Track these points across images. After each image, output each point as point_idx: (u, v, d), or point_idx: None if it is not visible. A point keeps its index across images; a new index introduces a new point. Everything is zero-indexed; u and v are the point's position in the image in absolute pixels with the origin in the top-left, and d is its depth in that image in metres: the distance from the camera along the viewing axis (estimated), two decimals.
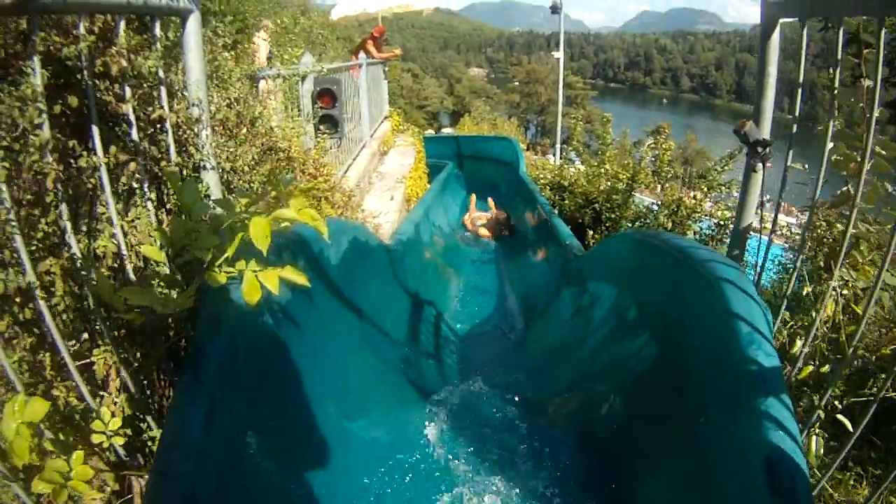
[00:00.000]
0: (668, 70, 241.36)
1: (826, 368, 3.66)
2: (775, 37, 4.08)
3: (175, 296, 2.49)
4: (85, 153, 2.58)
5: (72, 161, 2.61)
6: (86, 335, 2.79)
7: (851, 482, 3.67)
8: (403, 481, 3.78)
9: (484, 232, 12.64)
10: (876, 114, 3.04)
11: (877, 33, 2.81)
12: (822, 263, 4.97)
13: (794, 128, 3.73)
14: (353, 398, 3.85)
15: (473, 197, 14.57)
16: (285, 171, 5.20)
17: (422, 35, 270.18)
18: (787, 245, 11.28)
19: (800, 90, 3.61)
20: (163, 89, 3.14)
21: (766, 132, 4.03)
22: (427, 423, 4.34)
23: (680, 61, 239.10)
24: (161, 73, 3.11)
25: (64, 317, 2.61)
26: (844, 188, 3.71)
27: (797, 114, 3.67)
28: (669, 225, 10.82)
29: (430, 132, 39.63)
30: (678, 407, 3.36)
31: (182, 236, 2.38)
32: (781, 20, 4.07)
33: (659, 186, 11.57)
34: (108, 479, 2.72)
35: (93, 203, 2.82)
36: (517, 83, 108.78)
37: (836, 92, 3.47)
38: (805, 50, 3.64)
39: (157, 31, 3.06)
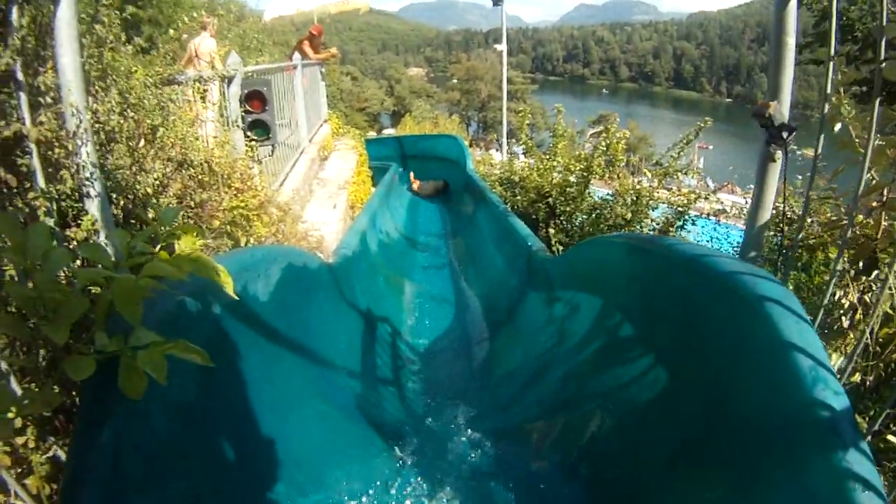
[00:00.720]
0: (606, 61, 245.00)
1: (857, 377, 3.09)
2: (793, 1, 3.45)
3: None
4: None
5: None
6: None
7: None
8: None
9: (427, 189, 14.88)
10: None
11: None
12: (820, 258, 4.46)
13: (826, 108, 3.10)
14: (305, 466, 3.22)
15: (412, 174, 16.36)
16: (199, 191, 4.50)
17: (360, 37, 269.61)
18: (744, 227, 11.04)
19: (831, 64, 2.94)
20: (22, 95, 2.43)
21: (785, 113, 3.44)
22: (395, 480, 3.72)
23: (618, 51, 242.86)
24: (20, 75, 2.41)
25: None
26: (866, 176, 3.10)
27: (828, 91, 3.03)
28: (629, 215, 10.36)
29: (372, 134, 39.23)
30: (710, 454, 2.73)
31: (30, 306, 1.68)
32: None
33: (616, 176, 11.07)
34: None
35: None
36: (457, 81, 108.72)
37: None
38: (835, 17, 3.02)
39: (15, 16, 2.37)
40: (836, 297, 3.47)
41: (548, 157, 12.20)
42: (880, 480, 1.86)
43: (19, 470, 2.33)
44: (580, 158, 11.44)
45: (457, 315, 8.02)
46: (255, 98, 7.28)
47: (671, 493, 2.92)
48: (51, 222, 2.99)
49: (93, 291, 2.06)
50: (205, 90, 6.47)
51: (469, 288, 9.11)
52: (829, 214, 7.06)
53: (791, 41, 3.47)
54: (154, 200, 3.89)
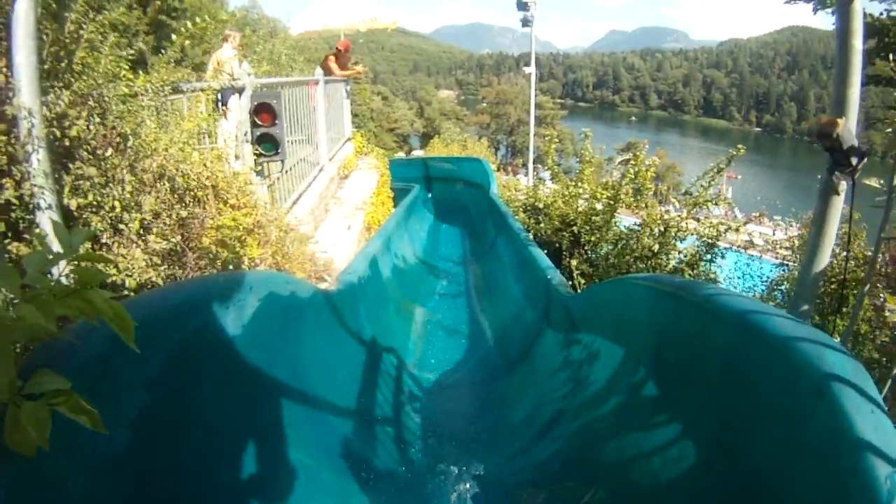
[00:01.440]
0: (636, 88, 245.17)
1: None
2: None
3: None
4: None
5: None
6: None
7: None
8: None
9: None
10: None
11: None
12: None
13: None
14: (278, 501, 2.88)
15: None
16: (177, 206, 4.12)
17: (391, 58, 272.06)
18: (775, 260, 10.62)
19: None
20: None
21: (854, 133, 2.95)
22: None
23: (648, 79, 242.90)
24: None
25: None
26: None
27: None
28: (656, 247, 9.95)
29: (401, 155, 39.17)
30: None
31: None
32: None
33: (644, 205, 10.68)
34: None
35: None
36: (487, 104, 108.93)
37: None
38: None
39: None
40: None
41: (574, 183, 11.84)
42: None
43: None
44: (607, 186, 11.13)
45: (469, 348, 7.66)
46: (264, 111, 6.92)
47: None
48: None
49: None
50: (217, 101, 6.16)
51: (484, 319, 8.73)
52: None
53: (858, 44, 2.99)
54: (126, 215, 3.53)
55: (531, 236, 10.18)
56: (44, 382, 1.41)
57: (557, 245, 11.22)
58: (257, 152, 6.71)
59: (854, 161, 2.93)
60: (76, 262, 1.46)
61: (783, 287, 9.65)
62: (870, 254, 7.29)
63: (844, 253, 3.53)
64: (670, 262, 9.89)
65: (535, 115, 31.07)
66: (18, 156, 2.58)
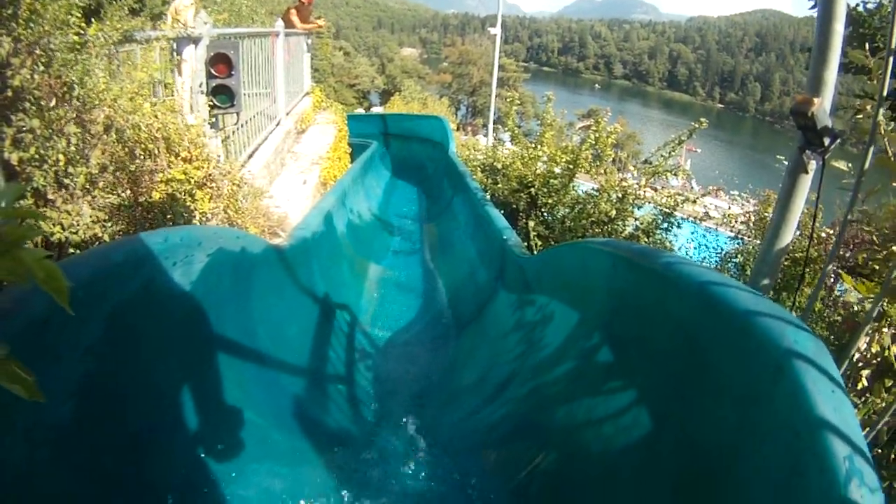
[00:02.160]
0: (601, 56, 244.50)
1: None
2: None
3: None
4: None
5: None
6: None
7: None
8: None
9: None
10: None
11: None
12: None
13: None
14: (212, 490, 2.77)
15: None
16: (126, 158, 4.00)
17: (356, 13, 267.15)
18: (730, 234, 10.77)
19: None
20: None
21: (828, 114, 2.95)
22: (329, 491, 3.30)
23: (614, 48, 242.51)
24: None
25: None
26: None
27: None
28: (613, 212, 10.01)
29: (360, 111, 38.78)
30: None
31: None
32: None
33: (602, 171, 10.70)
34: None
35: None
36: (449, 64, 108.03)
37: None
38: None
39: None
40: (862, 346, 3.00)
41: (534, 146, 11.81)
42: None
43: None
44: (567, 150, 11.10)
45: (423, 306, 7.62)
46: (220, 62, 6.73)
47: None
48: None
49: None
50: (172, 51, 5.98)
51: (439, 278, 8.70)
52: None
53: (840, 28, 2.97)
54: (71, 169, 3.40)
55: (488, 196, 10.10)
56: None
57: (514, 206, 11.21)
58: (211, 104, 6.55)
59: (826, 141, 2.94)
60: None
61: (737, 259, 9.80)
62: (824, 234, 7.41)
63: (807, 230, 3.55)
64: (626, 228, 9.98)
65: (497, 76, 30.79)
66: None
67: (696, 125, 10.36)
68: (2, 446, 1.69)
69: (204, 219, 4.55)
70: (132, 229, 3.96)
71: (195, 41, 6.48)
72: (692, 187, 11.03)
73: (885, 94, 2.43)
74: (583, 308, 3.95)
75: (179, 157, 4.55)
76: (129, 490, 2.22)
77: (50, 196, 3.32)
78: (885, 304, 2.68)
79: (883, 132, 2.72)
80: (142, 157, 4.18)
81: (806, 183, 3.14)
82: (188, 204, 4.40)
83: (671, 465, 2.53)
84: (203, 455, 2.75)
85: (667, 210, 10.00)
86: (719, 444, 2.27)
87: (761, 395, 2.07)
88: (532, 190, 11.10)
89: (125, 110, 4.00)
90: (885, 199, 2.85)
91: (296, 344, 4.57)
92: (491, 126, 28.98)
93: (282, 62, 10.52)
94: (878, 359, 2.80)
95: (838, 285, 5.97)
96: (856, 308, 3.08)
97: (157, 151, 4.33)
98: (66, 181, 3.37)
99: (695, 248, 10.67)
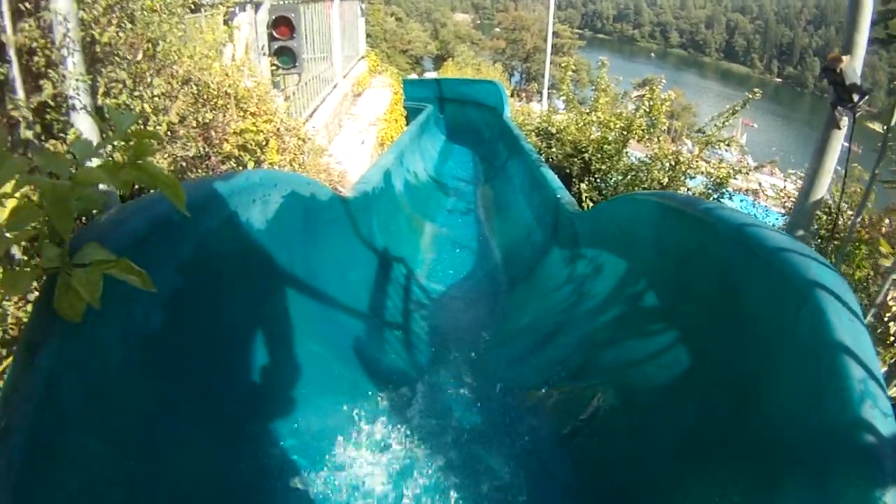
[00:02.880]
0: (657, 24, 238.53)
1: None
2: None
3: None
4: None
5: None
6: None
7: None
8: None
9: None
10: None
11: None
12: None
13: None
14: (282, 409, 3.02)
15: None
16: (203, 110, 4.24)
17: None
18: (782, 211, 10.66)
19: None
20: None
21: (858, 72, 3.06)
22: (380, 430, 3.48)
23: (670, 16, 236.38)
24: None
25: None
26: None
27: None
28: (665, 180, 10.06)
29: (414, 76, 38.74)
30: (725, 456, 2.43)
31: None
32: None
33: (656, 139, 10.71)
34: None
35: None
36: (502, 29, 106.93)
37: None
38: None
39: None
40: (887, 299, 3.11)
41: (588, 111, 11.84)
42: None
43: None
44: (621, 116, 11.09)
45: (476, 263, 7.80)
46: (282, 24, 6.99)
47: (674, 490, 2.67)
48: (30, 134, 2.80)
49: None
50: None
51: (492, 237, 8.85)
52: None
53: None
54: (154, 118, 3.65)
55: (542, 159, 10.20)
56: (91, 254, 1.55)
57: (568, 171, 11.27)
58: (274, 65, 6.79)
59: (856, 98, 3.04)
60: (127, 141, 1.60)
61: None
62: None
63: (840, 185, 3.65)
64: None
65: (552, 43, 30.56)
66: (55, 59, 2.69)
67: (750, 95, 10.31)
68: (104, 347, 1.88)
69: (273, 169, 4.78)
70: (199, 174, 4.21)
71: (257, 5, 6.71)
72: (748, 162, 10.92)
73: None
74: (630, 257, 4.13)
75: (248, 112, 4.79)
76: (209, 400, 2.44)
77: None
78: None
79: None
80: (213, 112, 4.42)
81: (839, 138, 3.25)
82: (258, 155, 4.64)
83: (707, 395, 2.71)
84: (274, 375, 2.97)
85: (718, 181, 10.00)
86: (750, 371, 2.44)
87: (786, 324, 2.22)
88: (586, 155, 11.14)
89: (200, 67, 4.24)
90: None
91: (356, 289, 4.80)
92: (546, 93, 28.76)
93: (338, 26, 10.73)
94: None
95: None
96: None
97: (227, 107, 4.57)
98: (151, 129, 3.60)
99: None
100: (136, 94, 3.51)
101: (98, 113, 3.17)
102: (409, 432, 3.53)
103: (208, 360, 2.49)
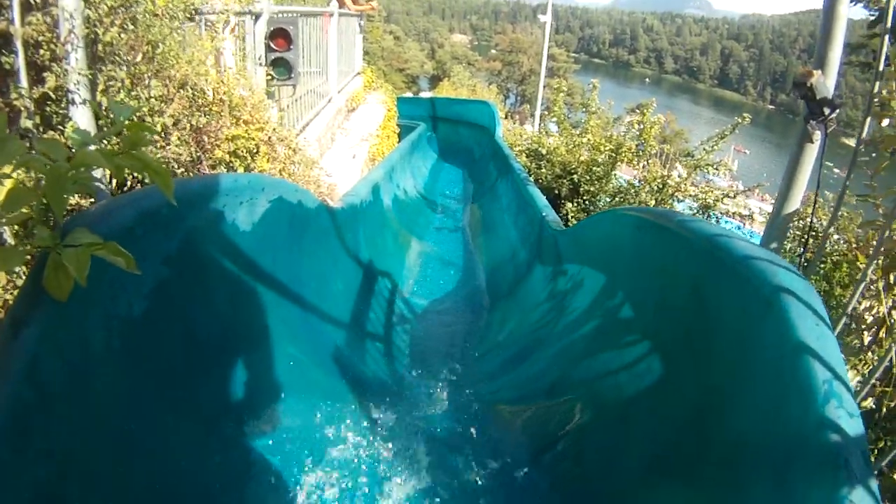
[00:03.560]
0: (652, 50, 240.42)
1: (869, 403, 2.83)
2: None
3: None
4: None
5: None
6: None
7: None
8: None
9: None
10: None
11: None
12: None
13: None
14: (259, 409, 3.07)
15: None
16: (197, 114, 4.33)
17: None
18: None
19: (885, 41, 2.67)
20: None
21: (830, 87, 3.17)
22: (356, 437, 3.53)
23: (665, 42, 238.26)
24: None
25: None
26: None
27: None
28: (652, 202, 10.19)
29: (408, 95, 38.97)
30: (694, 465, 2.48)
31: None
32: None
33: (643, 162, 10.85)
34: None
35: None
36: (499, 51, 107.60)
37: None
38: None
39: None
40: (861, 308, 3.20)
41: (578, 133, 11.98)
42: None
43: None
44: (611, 139, 11.22)
45: (461, 280, 7.89)
46: (280, 36, 7.10)
47: (645, 500, 2.73)
48: (30, 124, 2.88)
49: None
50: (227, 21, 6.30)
51: (478, 255, 8.96)
52: (858, 223, 6.80)
53: (844, 11, 3.21)
54: (149, 119, 3.73)
55: (531, 179, 10.32)
56: (81, 237, 1.61)
57: (556, 192, 11.40)
58: (270, 76, 6.89)
59: (826, 111, 3.16)
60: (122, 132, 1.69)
61: None
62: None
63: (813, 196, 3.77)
64: None
65: (547, 65, 30.85)
66: (59, 54, 2.77)
67: (739, 120, 10.46)
68: (87, 329, 1.94)
69: None
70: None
71: (256, 16, 6.81)
72: (738, 187, 11.08)
73: (881, 69, 2.64)
74: (609, 271, 4.20)
75: (241, 120, 4.87)
76: (186, 393, 2.50)
77: None
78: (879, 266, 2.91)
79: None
80: (207, 118, 4.50)
81: (812, 152, 3.36)
82: (249, 162, 4.72)
83: (677, 405, 2.77)
84: (253, 376, 3.02)
85: (706, 204, 10.13)
86: (718, 379, 2.50)
87: (753, 328, 2.29)
88: (575, 177, 11.27)
89: (197, 73, 4.33)
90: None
91: (339, 300, 4.83)
92: (538, 115, 28.99)
93: (335, 41, 10.82)
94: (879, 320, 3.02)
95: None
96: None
97: (221, 113, 4.65)
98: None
99: None
100: (134, 94, 3.59)
101: (95, 109, 3.25)
102: (383, 441, 3.57)
103: (187, 353, 2.55)
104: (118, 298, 2.07)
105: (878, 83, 2.71)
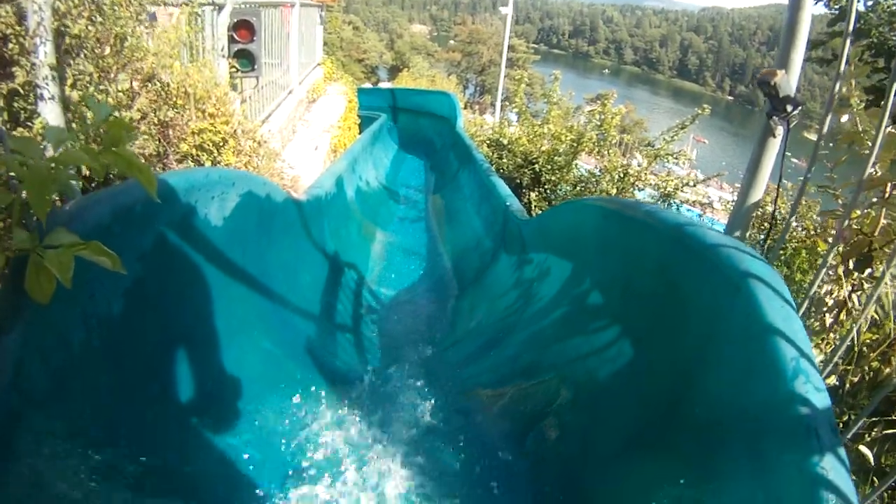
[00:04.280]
0: (612, 41, 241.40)
1: (832, 381, 2.94)
2: None
3: None
4: None
5: None
6: None
7: None
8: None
9: None
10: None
11: None
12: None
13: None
14: (233, 403, 3.08)
15: None
16: (165, 108, 4.32)
17: None
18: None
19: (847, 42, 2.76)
20: None
21: (793, 85, 3.28)
22: (332, 428, 3.55)
23: (625, 34, 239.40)
24: None
25: None
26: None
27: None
28: (614, 191, 10.30)
29: (368, 86, 38.83)
30: (669, 442, 2.55)
31: None
32: None
33: (605, 152, 10.95)
34: None
35: None
36: (458, 42, 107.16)
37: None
38: None
39: None
40: (822, 292, 3.31)
41: (539, 123, 12.04)
42: (854, 494, 1.68)
43: None
44: (572, 129, 11.30)
45: (426, 270, 7.94)
46: (243, 27, 7.06)
47: (622, 480, 2.79)
48: None
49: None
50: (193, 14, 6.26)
51: (442, 245, 8.99)
52: (816, 211, 6.96)
53: (806, 15, 3.33)
54: (116, 114, 3.72)
55: (493, 169, 10.37)
56: (60, 238, 1.62)
57: (518, 181, 11.44)
58: (233, 68, 6.85)
59: (789, 108, 3.27)
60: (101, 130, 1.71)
61: None
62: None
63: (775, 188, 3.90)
64: None
65: (507, 56, 30.92)
66: (28, 47, 2.76)
67: (700, 111, 10.63)
68: (67, 330, 1.95)
69: None
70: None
71: (219, 7, 6.76)
72: (697, 177, 11.24)
73: (841, 69, 2.74)
74: (575, 260, 4.28)
75: (206, 113, 4.86)
76: (165, 388, 2.53)
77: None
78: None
79: (854, 107, 3.05)
80: (173, 111, 4.49)
81: (774, 146, 3.46)
82: (215, 156, 4.72)
83: (649, 384, 2.86)
84: (229, 368, 3.05)
85: (666, 193, 10.26)
86: (688, 359, 2.60)
87: (722, 311, 2.39)
88: (536, 166, 11.32)
89: (162, 65, 4.32)
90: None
91: (307, 292, 4.85)
92: (499, 105, 29.06)
93: (296, 32, 10.78)
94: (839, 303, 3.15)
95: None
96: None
97: (185, 107, 4.64)
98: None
99: None
100: (102, 87, 3.58)
101: (64, 104, 3.24)
102: (359, 429, 3.60)
103: (164, 349, 2.57)
104: (96, 297, 2.08)
105: (838, 84, 2.81)
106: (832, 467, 1.71)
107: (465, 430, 3.81)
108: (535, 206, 10.29)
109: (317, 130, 10.10)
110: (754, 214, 3.84)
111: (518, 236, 6.06)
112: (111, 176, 3.59)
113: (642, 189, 10.70)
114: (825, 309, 3.28)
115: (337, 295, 5.54)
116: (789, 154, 3.57)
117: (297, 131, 9.92)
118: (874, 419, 2.88)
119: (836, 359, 2.62)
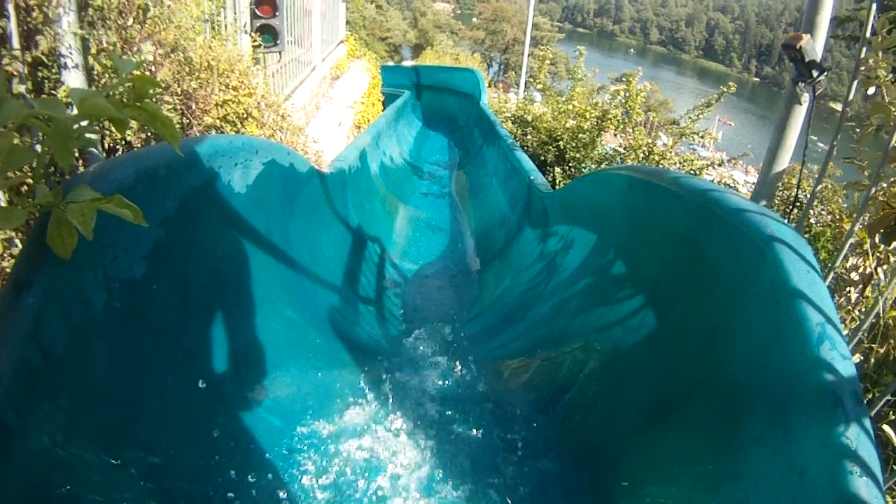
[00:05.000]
0: (637, 20, 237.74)
1: (856, 358, 2.89)
2: None
3: None
4: None
5: None
6: None
7: None
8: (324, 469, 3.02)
9: None
10: None
11: None
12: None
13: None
14: (257, 370, 3.08)
15: None
16: (188, 79, 4.32)
17: None
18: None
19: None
20: None
21: (819, 50, 3.21)
22: (355, 398, 3.52)
23: (651, 13, 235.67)
24: None
25: None
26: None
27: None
28: None
29: (391, 64, 38.78)
30: (694, 409, 2.53)
31: None
32: None
33: (629, 130, 10.87)
34: None
35: None
36: (482, 20, 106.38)
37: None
38: None
39: None
40: (847, 267, 3.26)
41: (564, 100, 11.97)
42: (879, 468, 1.61)
43: None
44: (596, 106, 11.23)
45: (450, 244, 7.95)
46: (265, 3, 7.05)
47: (647, 447, 2.76)
48: (22, 88, 2.87)
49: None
50: None
51: (466, 220, 9.00)
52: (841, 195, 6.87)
53: None
54: None
55: (517, 144, 10.33)
56: (83, 193, 1.61)
57: (542, 158, 11.40)
58: (256, 43, 6.85)
59: (815, 73, 3.20)
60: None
61: None
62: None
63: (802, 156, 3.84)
64: None
65: (531, 35, 30.71)
66: (52, 17, 2.76)
67: (725, 89, 10.52)
68: (88, 290, 1.94)
69: None
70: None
71: None
72: (722, 159, 11.15)
73: (867, 34, 2.68)
74: (600, 230, 4.26)
75: (230, 87, 4.86)
76: (186, 355, 2.52)
77: None
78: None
79: (882, 80, 2.98)
80: (197, 82, 4.49)
81: (800, 113, 3.41)
82: (238, 128, 4.72)
83: (673, 350, 2.83)
84: (248, 339, 3.04)
85: (691, 172, 10.18)
86: (713, 324, 2.57)
87: (748, 275, 2.35)
88: (560, 143, 11.28)
89: (186, 37, 4.32)
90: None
91: (330, 262, 4.85)
92: (523, 83, 28.86)
93: (318, 10, 10.76)
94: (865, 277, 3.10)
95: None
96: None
97: (208, 80, 4.64)
98: None
99: None
100: (125, 58, 3.58)
101: (88, 73, 3.25)
102: (386, 401, 3.57)
103: (186, 315, 2.56)
104: (118, 259, 2.07)
105: (863, 49, 2.75)
106: (857, 439, 1.66)
107: (490, 398, 3.79)
108: (559, 183, 10.25)
109: (340, 107, 10.10)
110: (777, 195, 3.79)
111: (542, 210, 6.03)
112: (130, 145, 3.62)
113: (667, 168, 10.62)
114: (850, 286, 3.23)
115: (360, 267, 5.56)
116: (815, 138, 3.51)
117: (320, 107, 9.92)
118: None
119: (859, 334, 2.58)
